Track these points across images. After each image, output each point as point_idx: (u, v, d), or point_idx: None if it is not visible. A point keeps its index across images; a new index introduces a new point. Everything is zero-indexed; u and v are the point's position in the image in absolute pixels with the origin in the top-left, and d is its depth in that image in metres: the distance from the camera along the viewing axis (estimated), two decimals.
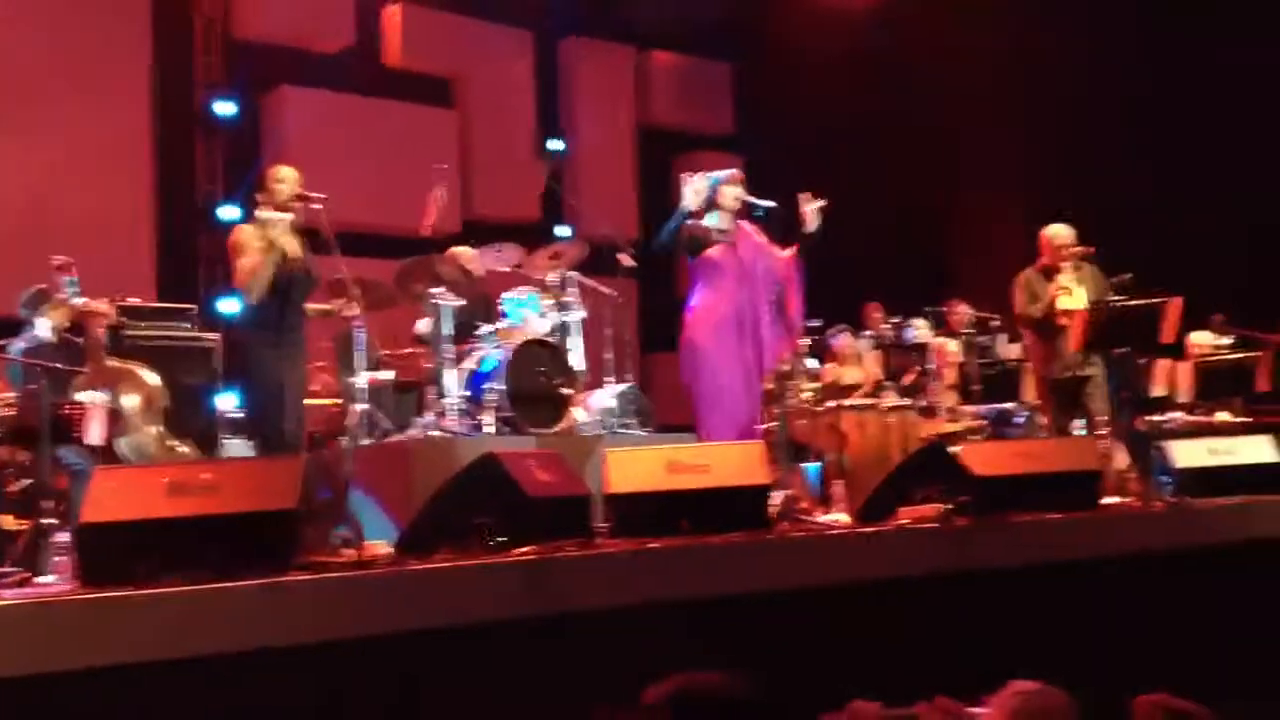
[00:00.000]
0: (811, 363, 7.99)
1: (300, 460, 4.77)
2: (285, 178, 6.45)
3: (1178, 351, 8.53)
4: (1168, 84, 10.17)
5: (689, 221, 6.57)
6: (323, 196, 6.46)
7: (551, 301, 7.92)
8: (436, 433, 7.14)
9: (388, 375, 7.78)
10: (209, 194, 10.75)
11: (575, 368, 7.75)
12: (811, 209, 6.53)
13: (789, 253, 6.64)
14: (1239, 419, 8.28)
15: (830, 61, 11.97)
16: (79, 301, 6.38)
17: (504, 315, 7.82)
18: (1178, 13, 10.21)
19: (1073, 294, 7.57)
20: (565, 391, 7.51)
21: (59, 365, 5.97)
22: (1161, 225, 9.61)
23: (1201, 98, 10.05)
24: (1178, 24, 10.23)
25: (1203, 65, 10.00)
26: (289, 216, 6.28)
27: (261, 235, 6.28)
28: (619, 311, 8.67)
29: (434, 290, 7.46)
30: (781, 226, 6.71)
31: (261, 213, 6.33)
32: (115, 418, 6.11)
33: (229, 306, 9.95)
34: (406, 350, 8.18)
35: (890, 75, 11.66)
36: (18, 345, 6.47)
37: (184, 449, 6.49)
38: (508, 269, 8.32)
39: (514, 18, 12.60)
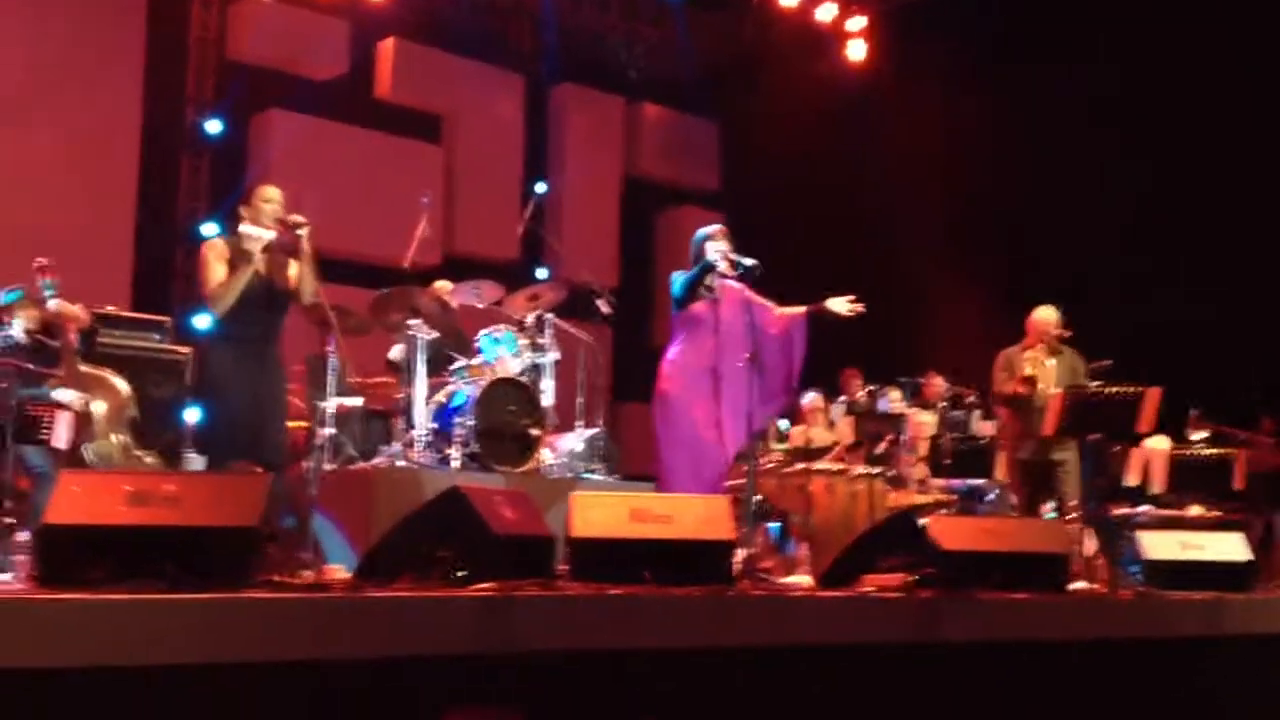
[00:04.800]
0: (782, 423, 7.98)
1: (265, 479, 4.69)
2: (272, 197, 6.34)
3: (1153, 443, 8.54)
4: (1160, 169, 10.27)
5: (702, 267, 6.62)
6: (305, 221, 6.34)
7: (527, 342, 7.90)
8: (402, 463, 7.08)
9: (357, 402, 7.72)
10: (191, 210, 10.70)
11: (545, 409, 7.71)
12: (844, 307, 6.58)
13: (796, 311, 6.68)
14: (1211, 515, 8.29)
15: (815, 127, 12.09)
16: (54, 304, 6.31)
17: (479, 351, 7.79)
18: (1154, 96, 10.34)
19: (1044, 368, 7.61)
20: (534, 432, 7.48)
21: (30, 366, 5.90)
22: (1148, 315, 9.67)
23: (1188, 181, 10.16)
24: (1158, 109, 10.35)
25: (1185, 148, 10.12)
26: (270, 235, 6.18)
27: (236, 249, 6.17)
28: (592, 357, 8.66)
29: (410, 321, 7.42)
30: (760, 283, 6.77)
31: (243, 228, 6.24)
32: (83, 423, 6.04)
33: (202, 322, 9.89)
34: (376, 379, 8.13)
35: (873, 143, 11.77)
36: None
37: (149, 459, 6.41)
38: (485, 306, 8.29)
39: (507, 61, 12.66)
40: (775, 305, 6.76)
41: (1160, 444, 8.82)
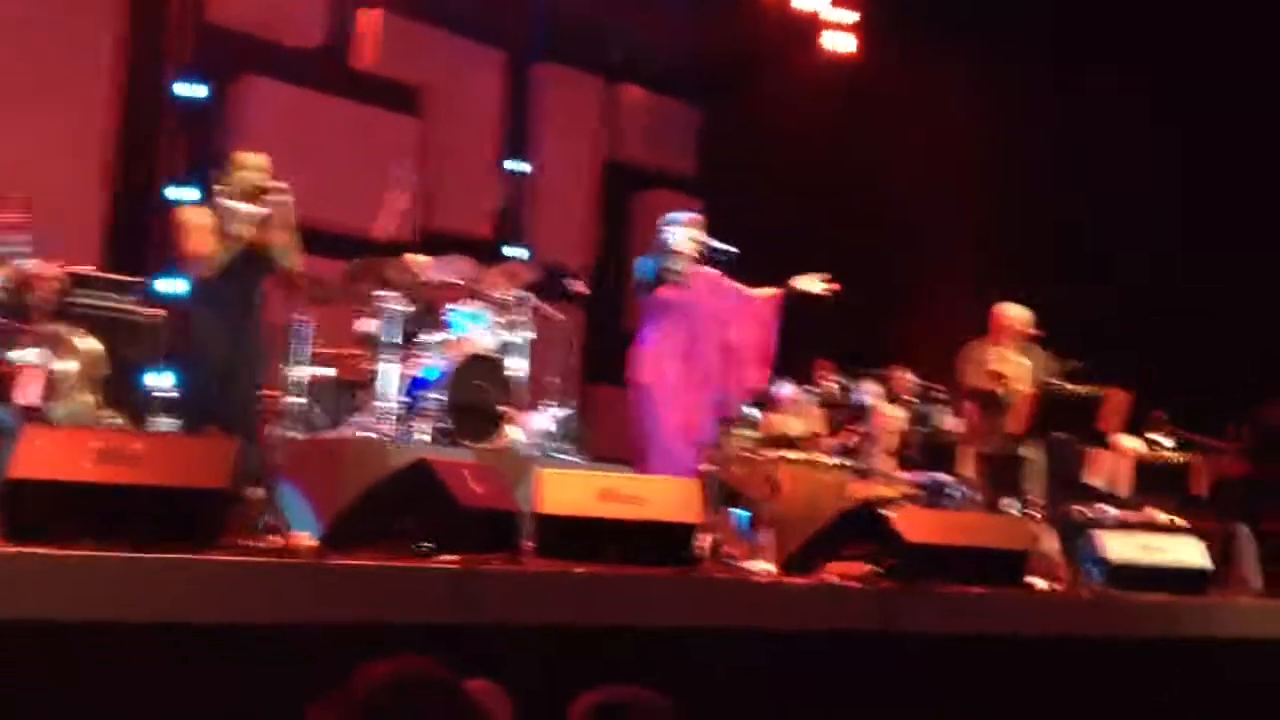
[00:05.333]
0: (753, 411, 8.00)
1: (233, 442, 4.69)
2: (252, 165, 6.29)
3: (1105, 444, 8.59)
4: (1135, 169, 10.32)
5: (665, 250, 6.65)
6: (284, 186, 6.31)
7: (500, 319, 7.89)
8: (370, 434, 7.07)
9: (328, 372, 7.70)
10: (168, 173, 10.61)
11: (516, 387, 7.71)
12: (817, 286, 6.68)
13: (771, 293, 6.73)
14: (1171, 519, 8.35)
15: (794, 116, 12.09)
16: (31, 264, 6.27)
17: (448, 326, 7.77)
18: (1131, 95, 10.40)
19: (1013, 364, 7.66)
20: (503, 409, 7.48)
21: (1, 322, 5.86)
22: (1120, 313, 9.74)
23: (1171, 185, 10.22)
24: (1136, 109, 10.41)
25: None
26: (264, 212, 6.13)
27: (213, 220, 6.14)
28: (565, 337, 8.66)
29: (382, 294, 7.40)
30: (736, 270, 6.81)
31: (227, 202, 6.18)
32: (52, 382, 6.00)
33: (177, 286, 9.84)
34: (345, 350, 8.09)
35: (850, 137, 11.79)
36: None
37: (117, 420, 6.37)
38: (460, 281, 8.27)
39: (489, 36, 12.59)
40: (747, 288, 6.80)
41: (1132, 444, 8.88)
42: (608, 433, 9.55)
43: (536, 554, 4.92)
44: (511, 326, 7.93)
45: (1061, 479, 7.71)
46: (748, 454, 7.37)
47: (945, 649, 5.10)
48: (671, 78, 13.58)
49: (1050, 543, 7.08)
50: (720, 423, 6.79)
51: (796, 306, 6.86)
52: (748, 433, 7.75)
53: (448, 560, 4.42)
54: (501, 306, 7.97)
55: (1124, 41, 10.44)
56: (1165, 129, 10.23)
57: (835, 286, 6.73)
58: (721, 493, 6.73)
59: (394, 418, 7.19)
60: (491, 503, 5.09)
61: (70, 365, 6.24)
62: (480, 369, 7.46)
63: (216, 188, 6.31)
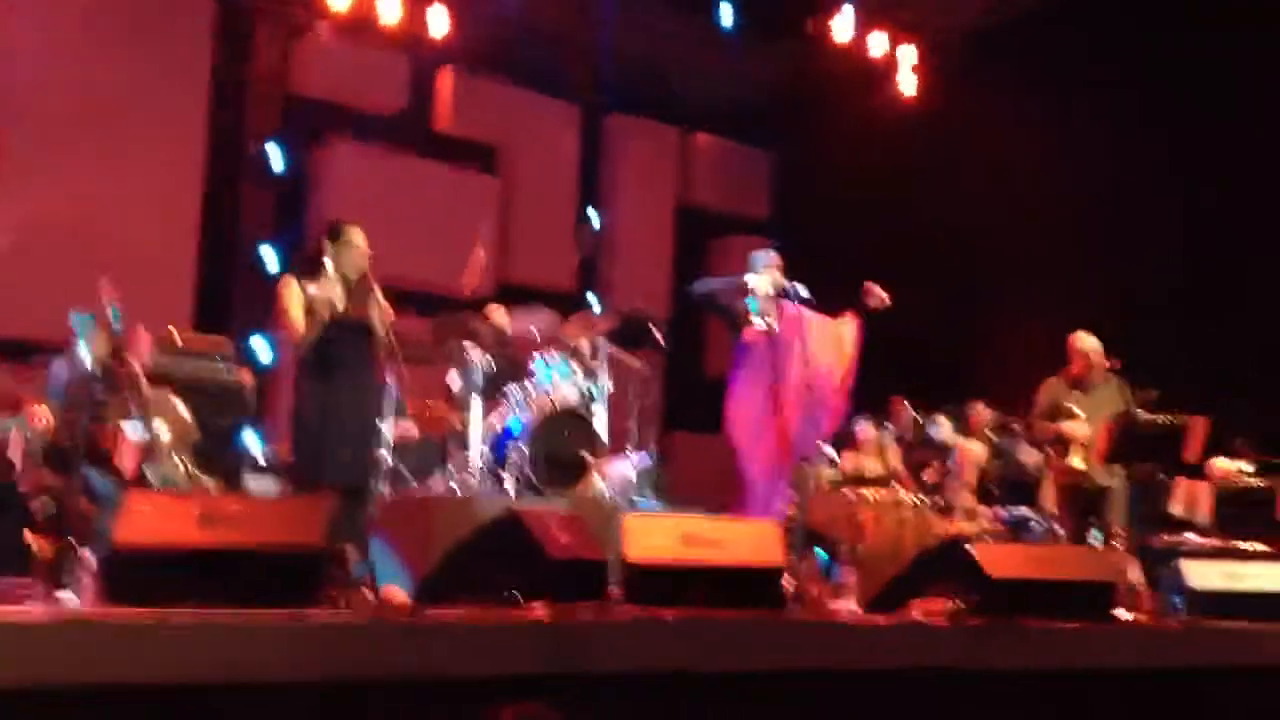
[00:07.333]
0: (831, 451, 8.04)
1: (328, 500, 4.83)
2: (355, 239, 6.62)
3: (1199, 472, 8.51)
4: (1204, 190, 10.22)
5: (734, 285, 6.76)
6: (370, 254, 6.64)
7: (581, 369, 8.00)
8: (457, 488, 7.20)
9: (416, 428, 7.86)
10: (253, 238, 10.91)
11: (599, 435, 7.81)
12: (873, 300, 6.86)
13: (853, 323, 6.85)
14: (1256, 546, 8.25)
15: (865, 157, 12.13)
16: (121, 330, 6.49)
17: (534, 377, 7.90)
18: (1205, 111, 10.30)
19: (1088, 400, 7.64)
20: (587, 458, 7.57)
21: (98, 389, 6.07)
22: (1194, 343, 9.62)
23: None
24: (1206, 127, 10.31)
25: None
26: (363, 282, 6.47)
27: (314, 292, 6.45)
28: (645, 385, 8.74)
29: (467, 346, 7.56)
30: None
31: (330, 273, 6.52)
32: (146, 447, 6.20)
33: (262, 347, 10.14)
34: (431, 403, 8.25)
35: (920, 175, 11.80)
36: (59, 366, 6.57)
37: (209, 483, 6.56)
38: (541, 333, 8.41)
39: (562, 91, 12.81)
40: (829, 318, 6.91)
41: (1226, 466, 8.77)
42: (688, 478, 9.63)
43: (624, 601, 5.00)
44: (590, 375, 8.04)
45: (1143, 509, 7.65)
46: (828, 494, 7.41)
47: (1034, 685, 5.10)
48: (742, 123, 13.71)
49: (1134, 573, 7.03)
50: (802, 462, 6.86)
51: (873, 343, 6.93)
52: (828, 472, 7.79)
53: (537, 610, 4.51)
54: (579, 356, 8.08)
55: (1196, 72, 10.37)
56: (1243, 161, 10.14)
57: (885, 298, 6.81)
58: (803, 534, 6.78)
59: (480, 471, 7.32)
60: (578, 552, 5.17)
61: (163, 430, 6.43)
62: (564, 419, 7.56)
63: (324, 260, 6.63)
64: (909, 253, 11.40)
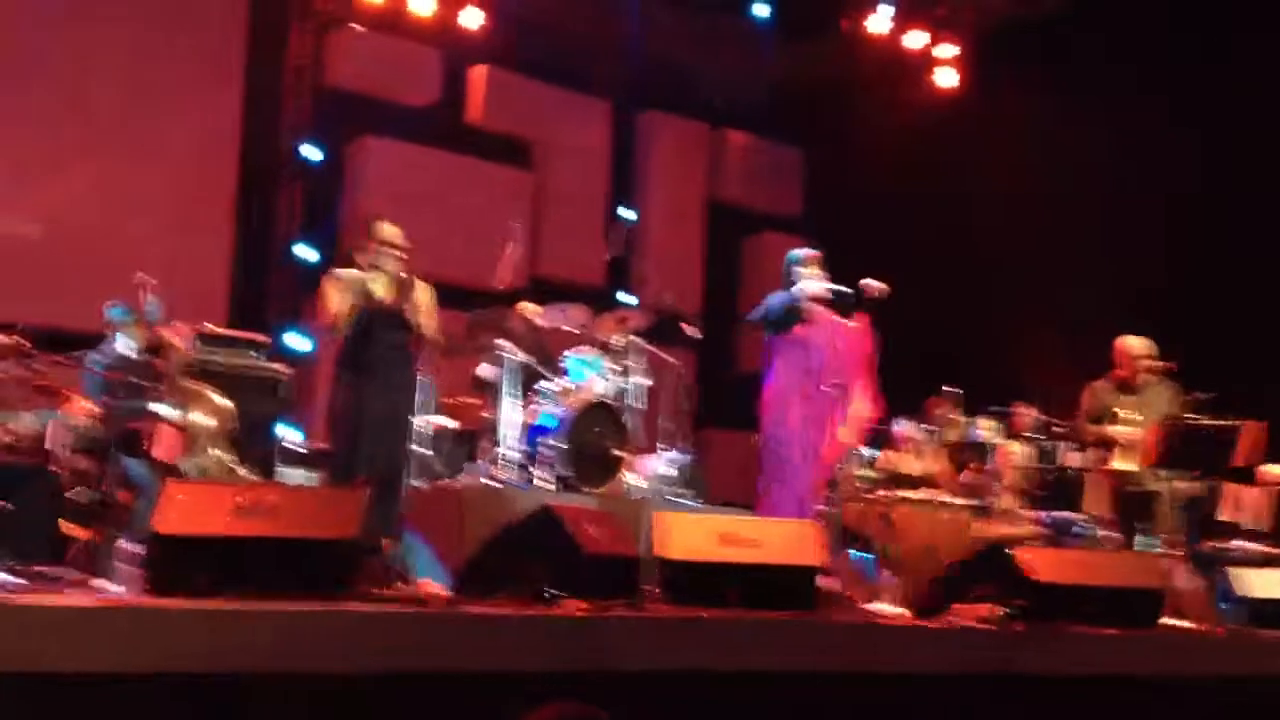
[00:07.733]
0: (870, 450, 7.96)
1: (363, 492, 4.80)
2: (389, 234, 6.65)
3: (1250, 478, 8.34)
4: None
5: (792, 302, 6.73)
6: (407, 247, 6.67)
7: (614, 365, 7.95)
8: (489, 481, 7.16)
9: (449, 421, 7.84)
10: (287, 232, 10.90)
11: (632, 432, 7.76)
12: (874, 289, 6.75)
13: (864, 326, 6.79)
14: None
15: (897, 153, 12.03)
16: (161, 327, 6.50)
17: (566, 373, 7.86)
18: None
19: (1134, 402, 7.53)
20: (621, 454, 7.53)
21: (136, 380, 6.06)
22: (1245, 346, 9.49)
23: None
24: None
25: None
26: (400, 276, 6.55)
27: (352, 286, 6.51)
28: (678, 381, 8.69)
29: (500, 342, 7.53)
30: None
31: (365, 268, 6.58)
32: (186, 438, 6.19)
33: (298, 341, 10.14)
34: (463, 398, 8.21)
35: (955, 172, 11.69)
36: (96, 358, 6.57)
37: (246, 474, 6.54)
38: (574, 329, 8.37)
39: (594, 87, 12.77)
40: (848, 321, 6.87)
41: (1275, 472, 8.61)
42: (721, 476, 9.57)
43: (659, 598, 4.95)
44: (625, 372, 7.99)
45: (1197, 514, 7.52)
46: (865, 494, 7.33)
47: (1078, 691, 5.02)
48: (773, 120, 13.64)
49: (1186, 580, 6.91)
50: (837, 461, 6.81)
51: (909, 342, 6.85)
52: (865, 472, 7.71)
53: (573, 606, 4.46)
54: (614, 352, 8.04)
55: (1233, 73, 10.25)
56: None
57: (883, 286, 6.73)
58: (840, 534, 6.72)
59: (514, 465, 7.28)
60: (613, 548, 5.13)
61: (201, 421, 6.42)
62: (598, 415, 7.52)
63: (356, 255, 6.70)
64: (945, 251, 11.31)
